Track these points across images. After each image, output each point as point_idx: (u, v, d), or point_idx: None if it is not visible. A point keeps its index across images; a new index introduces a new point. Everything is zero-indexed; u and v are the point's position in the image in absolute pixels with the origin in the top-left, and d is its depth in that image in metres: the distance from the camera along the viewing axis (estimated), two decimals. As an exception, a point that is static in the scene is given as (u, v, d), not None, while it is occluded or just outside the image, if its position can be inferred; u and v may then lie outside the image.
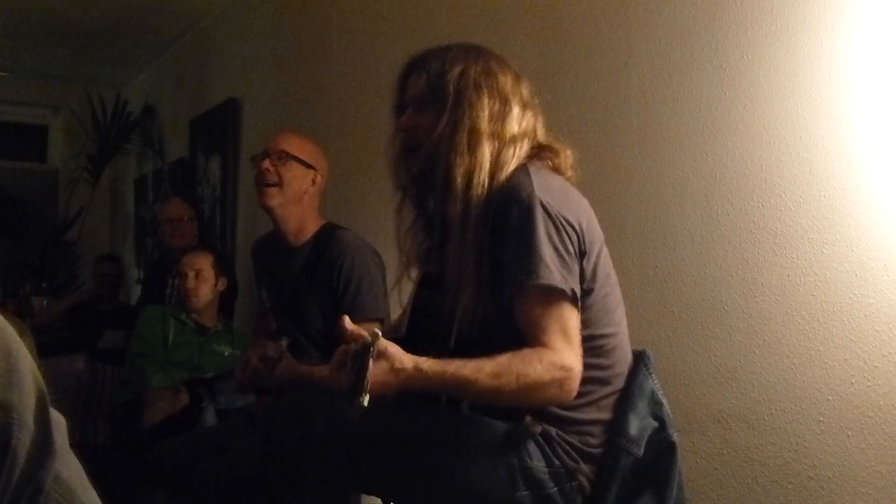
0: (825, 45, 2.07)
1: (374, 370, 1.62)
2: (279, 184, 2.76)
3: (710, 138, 2.30)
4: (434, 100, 1.93)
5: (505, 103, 1.92)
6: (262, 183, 2.78)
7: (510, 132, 1.91)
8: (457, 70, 1.92)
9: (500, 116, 1.91)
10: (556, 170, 1.93)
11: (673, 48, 2.40)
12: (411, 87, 2.00)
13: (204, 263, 3.96)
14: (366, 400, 1.59)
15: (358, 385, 1.59)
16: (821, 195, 2.06)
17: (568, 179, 1.94)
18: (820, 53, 2.08)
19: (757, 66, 2.20)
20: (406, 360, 1.67)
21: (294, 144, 2.80)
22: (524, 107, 1.95)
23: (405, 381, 1.68)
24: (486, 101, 1.90)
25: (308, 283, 2.79)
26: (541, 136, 1.97)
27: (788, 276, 2.12)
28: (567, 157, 1.95)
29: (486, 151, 1.87)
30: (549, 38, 2.79)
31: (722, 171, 2.27)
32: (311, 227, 2.87)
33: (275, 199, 2.77)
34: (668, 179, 2.40)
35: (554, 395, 1.72)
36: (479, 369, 1.67)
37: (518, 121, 1.93)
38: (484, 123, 1.88)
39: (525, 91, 1.97)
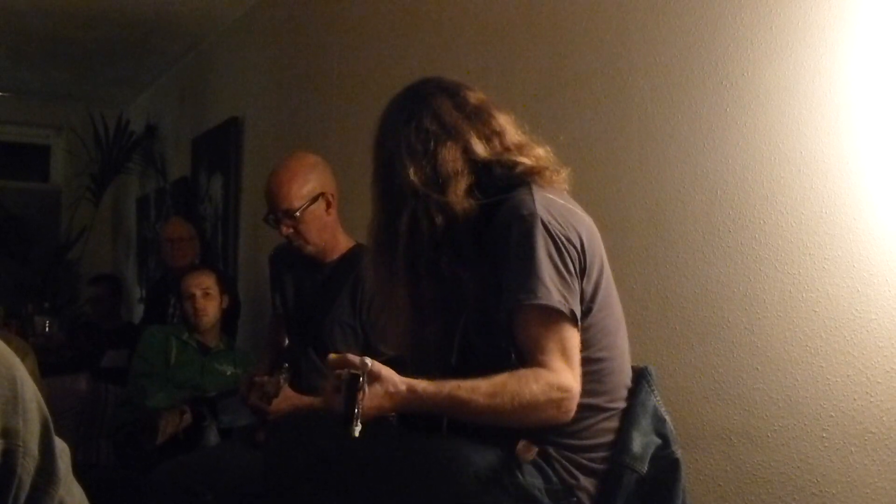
0: (825, 61, 2.07)
1: (369, 395, 1.61)
2: (305, 235, 2.79)
3: (710, 155, 2.30)
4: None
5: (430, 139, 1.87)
6: (290, 240, 2.81)
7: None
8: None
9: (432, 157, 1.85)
10: (558, 186, 1.90)
11: (673, 65, 2.41)
12: None
13: (209, 282, 3.97)
14: (357, 430, 1.58)
15: (348, 414, 1.59)
16: (822, 211, 2.06)
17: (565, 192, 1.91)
18: (820, 70, 2.08)
19: (757, 82, 2.20)
20: (399, 382, 1.66)
21: (295, 196, 2.75)
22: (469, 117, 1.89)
23: (400, 403, 1.67)
24: (410, 161, 1.85)
25: (332, 298, 2.80)
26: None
27: (790, 292, 2.11)
28: (557, 170, 1.91)
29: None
30: (549, 57, 2.80)
31: (723, 187, 2.27)
32: (341, 243, 2.89)
33: (309, 246, 2.82)
34: (669, 196, 2.40)
35: (552, 416, 1.70)
36: (475, 389, 1.66)
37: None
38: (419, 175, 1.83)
39: (473, 98, 1.91)
